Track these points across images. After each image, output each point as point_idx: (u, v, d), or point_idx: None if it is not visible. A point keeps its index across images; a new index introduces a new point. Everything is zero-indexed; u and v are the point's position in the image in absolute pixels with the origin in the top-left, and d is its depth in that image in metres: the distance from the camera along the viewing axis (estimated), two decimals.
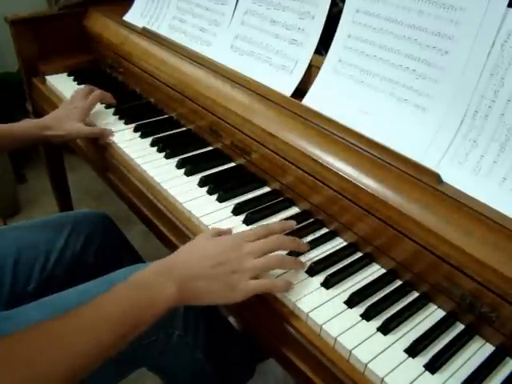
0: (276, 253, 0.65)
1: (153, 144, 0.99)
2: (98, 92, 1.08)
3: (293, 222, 0.72)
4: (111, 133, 1.02)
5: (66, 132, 0.99)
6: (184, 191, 0.85)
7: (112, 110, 1.12)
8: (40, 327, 0.53)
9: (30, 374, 0.48)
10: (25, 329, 0.52)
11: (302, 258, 0.70)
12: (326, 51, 0.84)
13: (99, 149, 1.04)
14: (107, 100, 1.12)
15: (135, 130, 1.04)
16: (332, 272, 0.68)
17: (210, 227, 0.76)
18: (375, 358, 0.57)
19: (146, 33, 1.18)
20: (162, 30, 1.17)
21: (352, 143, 0.73)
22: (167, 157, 0.94)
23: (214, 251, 0.63)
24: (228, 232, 0.70)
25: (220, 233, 0.68)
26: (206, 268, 0.61)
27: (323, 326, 0.60)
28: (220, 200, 0.82)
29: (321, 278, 0.67)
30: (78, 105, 1.04)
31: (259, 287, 0.62)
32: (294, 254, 0.70)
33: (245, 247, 0.63)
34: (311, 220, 0.79)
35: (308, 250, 0.71)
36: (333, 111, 0.78)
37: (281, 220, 0.78)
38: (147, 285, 0.59)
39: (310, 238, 0.75)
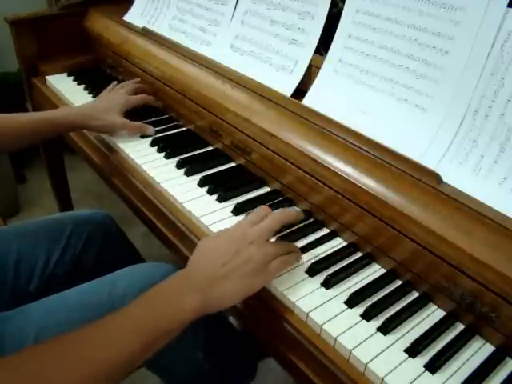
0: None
1: (153, 144, 0.99)
2: (146, 95, 1.09)
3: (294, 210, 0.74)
4: (152, 131, 1.02)
5: (109, 123, 0.99)
6: (184, 191, 0.85)
7: None
8: (63, 339, 0.52)
9: None
10: (44, 341, 0.51)
11: (303, 259, 0.70)
12: (326, 51, 0.84)
13: (99, 149, 1.04)
14: (151, 102, 1.11)
15: None
16: (332, 272, 0.68)
17: (209, 227, 0.76)
18: (375, 358, 0.57)
19: (145, 33, 1.18)
20: (162, 30, 1.17)
21: (352, 143, 0.73)
22: (167, 157, 0.94)
23: (223, 248, 0.62)
24: None
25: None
26: (221, 267, 0.60)
27: (323, 326, 0.60)
28: (220, 200, 0.82)
29: (321, 278, 0.67)
30: (122, 97, 1.04)
31: (282, 265, 0.64)
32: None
33: (250, 234, 0.63)
34: (311, 220, 0.79)
35: (308, 251, 0.71)
36: (333, 111, 0.78)
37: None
38: (172, 295, 0.58)
39: (310, 238, 0.75)
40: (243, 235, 0.63)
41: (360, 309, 0.63)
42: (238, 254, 0.61)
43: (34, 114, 0.97)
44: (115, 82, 1.13)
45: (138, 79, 1.14)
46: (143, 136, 1.01)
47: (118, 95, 1.06)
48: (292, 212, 0.70)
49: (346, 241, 0.75)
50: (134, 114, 1.09)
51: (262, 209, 0.69)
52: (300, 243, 0.73)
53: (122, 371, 0.53)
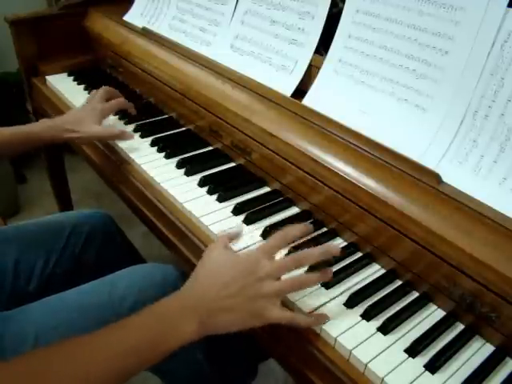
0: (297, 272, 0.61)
1: (153, 144, 0.99)
2: (121, 99, 1.05)
3: (311, 226, 0.64)
4: (132, 136, 0.99)
5: (86, 134, 0.96)
6: (184, 191, 0.85)
7: None
8: (63, 345, 0.52)
9: None
10: (47, 345, 0.51)
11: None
12: (326, 51, 0.84)
13: (99, 149, 1.04)
14: (130, 110, 1.08)
15: (135, 130, 1.04)
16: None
17: (210, 227, 0.76)
18: (375, 357, 0.57)
19: (145, 33, 1.18)
20: (162, 30, 1.17)
21: (352, 143, 0.73)
22: (167, 157, 0.94)
23: (231, 276, 0.59)
24: (237, 235, 0.68)
25: (231, 237, 0.67)
26: (225, 298, 0.58)
27: (323, 327, 0.60)
28: (220, 200, 0.82)
29: None
30: (97, 106, 1.00)
31: (283, 318, 0.58)
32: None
33: (263, 268, 0.58)
34: (311, 220, 0.79)
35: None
36: (333, 111, 0.78)
37: (281, 220, 0.78)
38: (170, 318, 0.57)
39: (309, 238, 0.75)
40: (256, 268, 0.58)
41: (360, 309, 0.63)
42: (244, 289, 0.58)
43: (10, 128, 0.94)
44: (94, 91, 1.07)
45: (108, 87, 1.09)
46: (143, 136, 1.01)
47: (92, 104, 1.01)
48: (326, 250, 0.61)
49: (345, 241, 0.75)
50: (135, 114, 1.09)
51: (289, 234, 0.62)
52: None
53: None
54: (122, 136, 0.99)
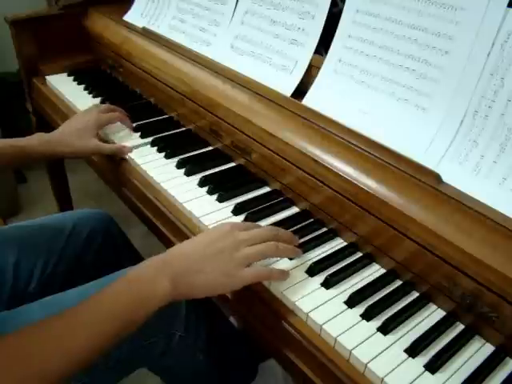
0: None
1: (153, 144, 0.99)
2: (118, 114, 1.02)
3: (297, 239, 0.71)
4: (130, 150, 0.96)
5: (82, 149, 0.94)
6: (184, 191, 0.85)
7: None
8: (38, 325, 0.54)
9: (27, 371, 0.49)
10: (25, 326, 0.53)
11: (302, 259, 0.70)
12: (326, 51, 0.84)
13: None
14: (126, 124, 1.04)
15: (135, 130, 1.04)
16: (332, 272, 0.68)
17: (210, 227, 0.76)
18: (375, 357, 0.57)
19: (146, 33, 1.18)
20: (162, 30, 1.17)
21: (352, 143, 0.73)
22: (167, 157, 0.94)
23: (207, 241, 0.63)
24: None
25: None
26: (199, 259, 0.61)
27: (323, 326, 0.60)
28: (220, 200, 0.82)
29: (321, 278, 0.67)
30: (92, 118, 0.97)
31: (256, 275, 0.62)
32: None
33: (239, 235, 0.63)
34: (311, 220, 0.79)
35: (307, 251, 0.71)
36: (333, 111, 0.78)
37: (281, 220, 0.78)
38: (143, 281, 0.59)
39: (309, 237, 0.75)
40: (231, 234, 0.63)
41: (360, 309, 0.63)
42: (218, 252, 0.61)
43: (6, 140, 0.93)
44: (92, 105, 1.06)
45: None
46: (143, 136, 1.01)
47: (89, 115, 0.98)
48: (292, 237, 0.69)
49: (345, 241, 0.75)
50: (134, 114, 1.09)
51: (258, 225, 0.69)
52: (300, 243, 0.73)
53: (93, 355, 0.54)
54: (121, 151, 0.96)
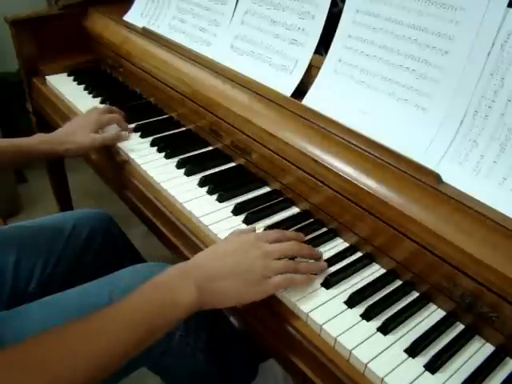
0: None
1: (153, 144, 0.99)
2: (117, 115, 1.04)
3: (303, 235, 0.72)
4: (126, 136, 0.99)
5: (80, 145, 0.95)
6: (184, 191, 0.85)
7: None
8: (56, 331, 0.52)
9: (49, 378, 0.48)
10: (42, 332, 0.51)
11: (302, 259, 0.70)
12: (326, 51, 0.84)
13: (99, 149, 1.04)
14: (122, 126, 1.05)
15: (135, 130, 1.04)
16: (332, 272, 0.68)
17: (210, 227, 0.76)
18: (375, 357, 0.57)
19: (146, 33, 1.18)
20: (162, 30, 1.17)
21: (352, 143, 0.73)
22: (167, 157, 0.94)
23: (233, 248, 0.63)
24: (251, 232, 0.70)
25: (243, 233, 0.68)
26: (225, 266, 0.61)
27: (323, 326, 0.60)
28: (220, 200, 0.82)
29: (321, 278, 0.67)
30: (92, 118, 1.00)
31: (282, 282, 0.62)
32: None
33: (264, 247, 0.63)
34: (311, 220, 0.79)
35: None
36: (333, 111, 0.78)
37: (281, 220, 0.78)
38: (170, 288, 0.58)
39: (309, 238, 0.75)
40: (258, 245, 0.63)
41: (360, 309, 0.63)
42: (242, 261, 0.61)
43: (6, 139, 0.94)
44: (93, 107, 1.07)
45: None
46: (143, 136, 1.01)
47: (90, 115, 1.01)
48: (314, 252, 0.70)
49: (346, 241, 0.75)
50: (134, 113, 1.09)
51: (285, 233, 0.69)
52: None
53: (114, 363, 0.53)
54: (118, 138, 0.99)
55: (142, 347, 0.55)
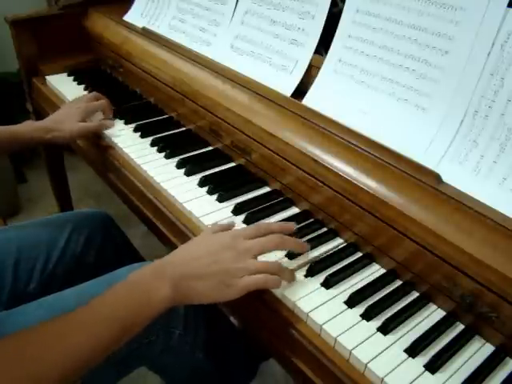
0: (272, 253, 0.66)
1: (153, 144, 0.99)
2: (104, 102, 1.08)
3: (292, 224, 0.70)
4: (112, 123, 1.03)
5: (67, 133, 0.99)
6: (184, 191, 0.85)
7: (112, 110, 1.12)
8: (38, 328, 0.53)
9: (25, 373, 0.49)
10: (23, 329, 0.52)
11: (302, 258, 0.70)
12: (326, 51, 0.84)
13: (99, 149, 1.04)
14: (106, 113, 1.09)
15: (135, 130, 1.04)
16: (332, 272, 0.68)
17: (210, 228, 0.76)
18: (375, 357, 0.57)
19: (146, 33, 1.18)
20: (162, 30, 1.17)
21: (352, 143, 0.73)
22: (167, 157, 0.94)
23: (209, 249, 0.63)
24: (229, 227, 0.70)
25: (221, 228, 0.68)
26: (200, 267, 0.61)
27: (323, 326, 0.60)
28: (220, 200, 0.82)
29: (321, 278, 0.67)
30: (81, 105, 1.04)
31: (253, 283, 0.62)
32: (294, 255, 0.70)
33: (241, 245, 0.63)
34: (311, 220, 0.79)
35: (307, 251, 0.71)
36: (333, 111, 0.78)
37: (281, 220, 0.78)
38: (143, 285, 0.59)
39: (309, 238, 0.75)
40: (234, 244, 0.63)
41: (360, 309, 0.63)
42: (218, 261, 0.61)
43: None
44: (81, 94, 1.13)
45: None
46: (143, 136, 1.01)
47: (77, 103, 1.06)
48: (298, 242, 0.69)
49: (345, 241, 0.75)
50: (134, 113, 1.09)
51: (265, 226, 0.68)
52: None
53: (90, 359, 0.54)
54: (102, 126, 1.02)
55: (116, 345, 0.56)
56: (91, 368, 0.54)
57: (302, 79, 0.88)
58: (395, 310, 0.63)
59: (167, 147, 0.96)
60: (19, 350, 0.50)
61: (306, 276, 0.68)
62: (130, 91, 1.24)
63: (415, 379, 0.55)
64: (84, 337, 0.53)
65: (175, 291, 0.59)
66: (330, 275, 0.67)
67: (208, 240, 0.65)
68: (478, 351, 0.59)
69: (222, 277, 0.61)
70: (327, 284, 0.66)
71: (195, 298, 0.61)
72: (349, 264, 0.70)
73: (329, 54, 0.84)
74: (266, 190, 0.87)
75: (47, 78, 1.29)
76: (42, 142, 1.01)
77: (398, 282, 0.68)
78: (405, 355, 0.58)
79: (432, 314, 0.63)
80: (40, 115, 1.37)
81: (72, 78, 1.30)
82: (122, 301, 0.57)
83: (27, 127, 0.99)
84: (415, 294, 0.66)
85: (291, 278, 0.66)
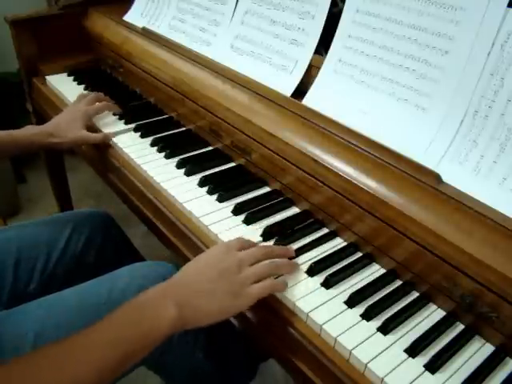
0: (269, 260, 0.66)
1: (153, 144, 0.99)
2: (105, 103, 1.09)
3: (292, 250, 0.71)
4: (113, 135, 1.02)
5: (69, 140, 0.99)
6: (184, 191, 0.85)
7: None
8: (41, 352, 0.52)
9: None
10: (25, 353, 0.51)
11: (302, 258, 0.70)
12: (326, 51, 0.84)
13: (100, 149, 1.04)
14: (113, 110, 1.10)
15: (135, 130, 1.04)
16: (332, 272, 0.68)
17: (210, 227, 0.76)
18: (375, 357, 0.57)
19: (145, 33, 1.18)
20: (162, 30, 1.17)
21: (352, 143, 0.73)
22: (167, 157, 0.94)
23: (208, 263, 0.62)
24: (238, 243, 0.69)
25: (242, 245, 0.67)
26: (204, 282, 0.60)
27: (323, 326, 0.60)
28: (220, 200, 0.82)
29: (321, 278, 0.67)
30: (82, 109, 1.04)
31: (262, 290, 0.61)
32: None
33: (237, 254, 0.63)
34: (311, 220, 0.79)
35: (308, 251, 0.72)
36: (333, 111, 0.78)
37: (281, 220, 0.78)
38: (147, 307, 0.57)
39: (309, 238, 0.75)
40: (228, 254, 0.63)
41: (360, 309, 0.63)
42: (221, 273, 0.61)
43: (2, 131, 0.98)
44: (81, 93, 1.12)
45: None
46: (143, 136, 1.01)
47: (77, 107, 1.05)
48: (286, 252, 0.69)
49: (345, 241, 0.75)
50: (134, 113, 1.09)
51: (242, 242, 0.68)
52: (300, 243, 0.73)
53: (95, 380, 0.52)
54: (106, 138, 1.01)
55: (121, 369, 0.54)
56: None
57: (302, 79, 0.88)
58: (395, 310, 0.63)
59: (167, 147, 0.96)
60: (16, 377, 0.49)
61: (306, 276, 0.68)
62: (130, 91, 1.24)
63: (415, 379, 0.55)
64: (85, 359, 0.52)
65: (181, 312, 0.57)
66: (329, 275, 0.67)
67: (204, 256, 0.65)
68: (478, 351, 0.59)
69: (228, 288, 0.60)
70: (327, 284, 0.66)
71: (203, 317, 0.59)
72: (349, 264, 0.70)
73: (329, 54, 0.84)
74: (266, 189, 0.87)
75: (47, 78, 1.29)
76: (42, 147, 1.02)
77: (398, 282, 0.68)
78: (405, 355, 0.58)
79: (432, 314, 0.63)
80: (40, 115, 1.37)
81: (72, 77, 1.30)
82: (126, 325, 0.55)
83: (27, 131, 0.99)
84: (415, 294, 0.66)
85: (293, 269, 0.67)
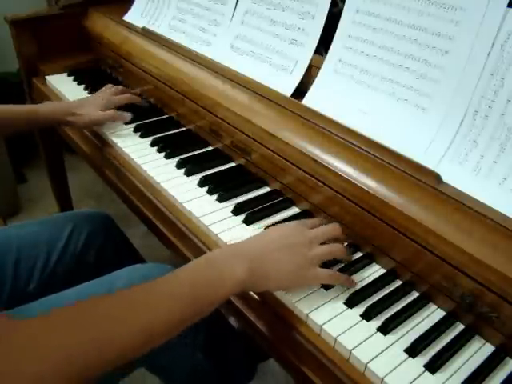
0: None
1: (153, 144, 0.99)
2: (129, 95, 1.12)
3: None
4: (128, 116, 1.06)
5: (86, 118, 1.02)
6: (184, 191, 0.85)
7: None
8: (120, 296, 0.54)
9: (88, 342, 0.48)
10: (88, 299, 0.52)
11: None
12: (326, 51, 0.84)
13: (99, 149, 1.04)
14: (137, 101, 1.13)
15: (135, 130, 1.04)
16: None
17: (210, 227, 0.76)
18: (375, 357, 0.57)
19: (145, 33, 1.18)
20: (162, 30, 1.17)
21: (352, 143, 0.73)
22: (167, 157, 0.94)
23: (281, 234, 0.64)
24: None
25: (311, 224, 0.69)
26: (275, 250, 0.61)
27: (323, 326, 0.60)
28: (220, 200, 0.82)
29: None
30: (106, 96, 1.07)
31: (331, 276, 0.64)
32: None
33: (309, 232, 0.65)
34: None
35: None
36: (333, 111, 0.78)
37: (281, 220, 0.78)
38: (220, 263, 0.59)
39: None
40: (302, 232, 0.65)
41: (360, 309, 0.63)
42: (293, 246, 0.62)
43: (17, 105, 1.02)
44: (109, 85, 1.14)
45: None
46: (143, 136, 1.01)
47: (101, 94, 1.09)
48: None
49: (345, 241, 0.75)
50: (134, 113, 1.09)
51: (314, 220, 0.71)
52: None
53: (160, 336, 0.53)
54: (119, 117, 1.05)
55: (188, 322, 0.55)
56: (160, 344, 0.53)
57: (302, 79, 0.88)
58: (395, 310, 0.63)
59: (167, 147, 0.96)
60: (88, 319, 0.50)
61: None
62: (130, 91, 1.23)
63: (415, 379, 0.55)
64: (158, 313, 0.53)
65: (251, 273, 0.58)
66: None
67: (276, 228, 0.67)
68: (478, 351, 0.59)
69: (297, 260, 0.62)
70: (327, 285, 0.66)
71: (271, 283, 0.61)
72: (349, 264, 0.70)
73: (329, 54, 0.84)
74: (266, 189, 0.87)
75: (47, 78, 1.29)
76: (59, 122, 1.05)
77: (398, 282, 0.68)
78: (405, 355, 0.58)
79: (432, 314, 0.63)
80: None
81: (72, 78, 1.30)
82: (198, 278, 0.57)
83: (47, 106, 1.03)
84: (415, 294, 0.66)
85: (344, 254, 0.68)
